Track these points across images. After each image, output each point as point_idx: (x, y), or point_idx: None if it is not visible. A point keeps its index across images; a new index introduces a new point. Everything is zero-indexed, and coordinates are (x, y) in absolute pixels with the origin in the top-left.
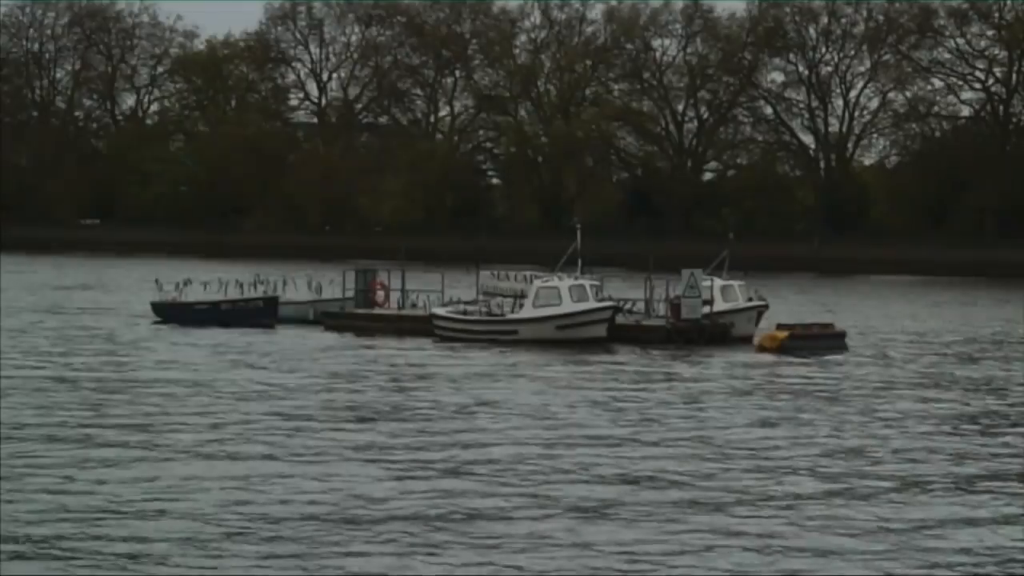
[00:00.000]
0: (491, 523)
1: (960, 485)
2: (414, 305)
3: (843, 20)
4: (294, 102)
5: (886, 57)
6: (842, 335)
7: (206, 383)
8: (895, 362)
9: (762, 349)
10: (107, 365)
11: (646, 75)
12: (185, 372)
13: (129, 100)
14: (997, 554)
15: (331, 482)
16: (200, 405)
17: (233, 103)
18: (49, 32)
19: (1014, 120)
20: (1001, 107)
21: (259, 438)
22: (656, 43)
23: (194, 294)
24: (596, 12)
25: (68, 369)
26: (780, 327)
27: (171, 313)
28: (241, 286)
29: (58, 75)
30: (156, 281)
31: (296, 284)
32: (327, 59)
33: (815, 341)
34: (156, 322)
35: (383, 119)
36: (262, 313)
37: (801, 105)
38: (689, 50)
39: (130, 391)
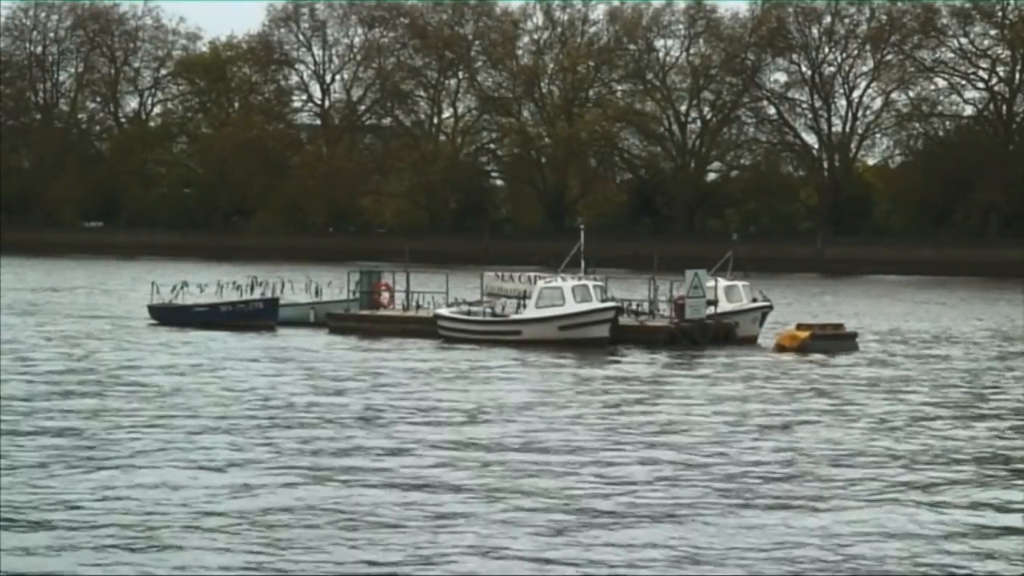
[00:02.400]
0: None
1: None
2: (418, 306)
3: (846, 20)
4: (297, 104)
5: (889, 57)
6: (853, 336)
7: (190, 384)
8: (910, 363)
9: (781, 348)
10: (91, 368)
11: (649, 76)
12: (172, 375)
13: (132, 102)
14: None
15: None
16: (180, 407)
17: (236, 105)
18: (52, 35)
19: (1017, 119)
20: (1004, 106)
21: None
22: (659, 44)
23: (191, 297)
24: (599, 13)
25: (53, 372)
26: (800, 327)
27: (169, 316)
28: (239, 288)
29: (61, 78)
30: (153, 283)
31: (293, 286)
32: (330, 61)
33: (831, 342)
34: (153, 325)
35: (386, 121)
36: (262, 315)
37: (804, 105)
38: (692, 51)
39: (113, 394)
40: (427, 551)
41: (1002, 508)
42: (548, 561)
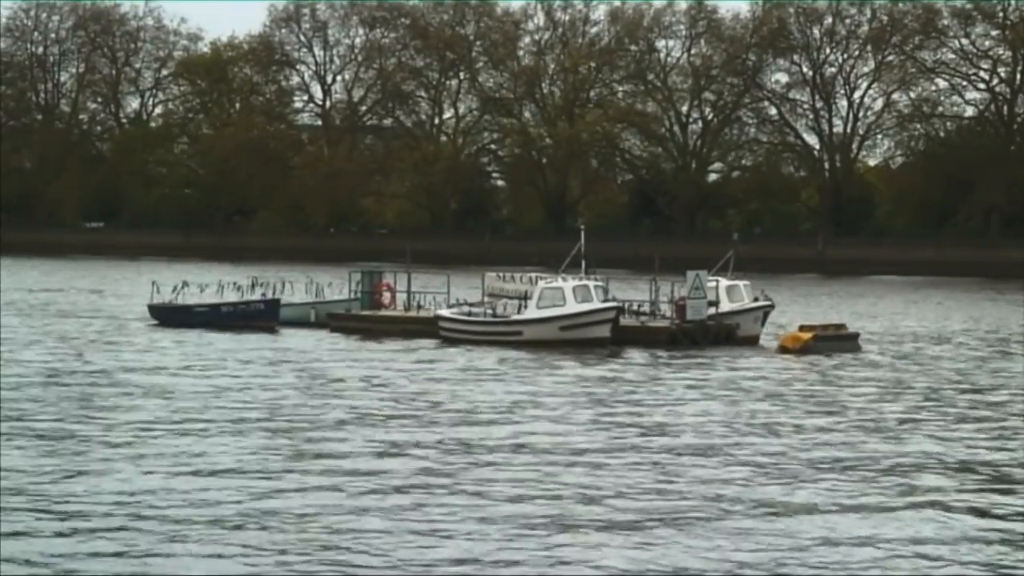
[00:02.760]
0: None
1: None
2: (419, 307)
3: (847, 21)
4: (298, 104)
5: (890, 58)
6: (856, 336)
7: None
8: (912, 365)
9: (784, 350)
10: (89, 369)
11: (650, 76)
12: (165, 375)
13: (133, 103)
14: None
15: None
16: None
17: (237, 105)
18: (53, 35)
19: (1018, 120)
20: (1005, 107)
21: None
22: (660, 44)
23: (192, 297)
24: (600, 13)
25: (50, 372)
26: (803, 328)
27: (169, 316)
28: (240, 289)
29: (62, 78)
30: (153, 283)
31: (293, 287)
32: (331, 61)
33: (834, 343)
34: (153, 325)
35: (387, 121)
36: (263, 315)
37: (805, 106)
38: (693, 51)
39: (110, 395)
40: (412, 556)
41: (1002, 515)
42: (535, 564)
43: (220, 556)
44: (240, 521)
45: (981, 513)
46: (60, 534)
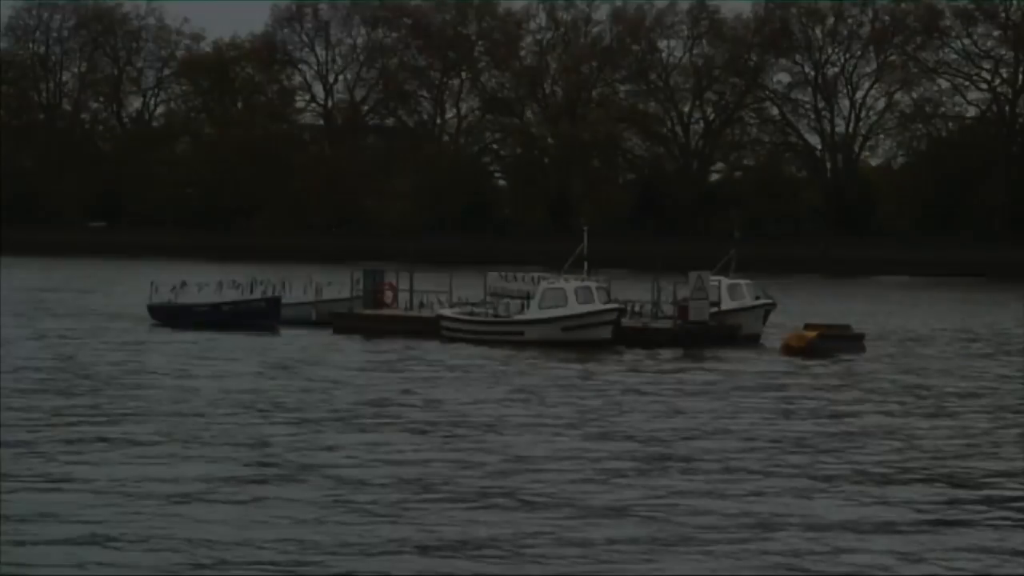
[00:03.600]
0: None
1: None
2: (422, 306)
3: (849, 21)
4: (300, 104)
5: (892, 58)
6: (860, 337)
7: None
8: (913, 366)
9: (789, 350)
10: (86, 370)
11: (652, 76)
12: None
13: (135, 102)
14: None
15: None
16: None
17: (239, 105)
18: (55, 35)
19: (1020, 120)
20: (1007, 107)
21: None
22: (662, 44)
23: (191, 296)
24: (602, 13)
25: (48, 372)
26: (808, 327)
27: (169, 315)
28: (239, 287)
29: (64, 78)
30: (152, 283)
31: (291, 286)
32: (333, 61)
33: (838, 343)
34: (154, 325)
35: (389, 121)
36: (264, 315)
37: (807, 106)
38: (695, 51)
39: (106, 395)
40: (386, 562)
41: (998, 526)
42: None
43: (196, 564)
44: (221, 525)
45: (976, 525)
46: (53, 540)
